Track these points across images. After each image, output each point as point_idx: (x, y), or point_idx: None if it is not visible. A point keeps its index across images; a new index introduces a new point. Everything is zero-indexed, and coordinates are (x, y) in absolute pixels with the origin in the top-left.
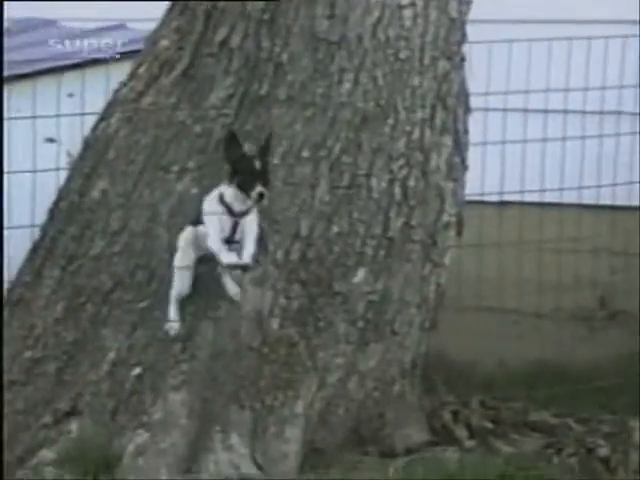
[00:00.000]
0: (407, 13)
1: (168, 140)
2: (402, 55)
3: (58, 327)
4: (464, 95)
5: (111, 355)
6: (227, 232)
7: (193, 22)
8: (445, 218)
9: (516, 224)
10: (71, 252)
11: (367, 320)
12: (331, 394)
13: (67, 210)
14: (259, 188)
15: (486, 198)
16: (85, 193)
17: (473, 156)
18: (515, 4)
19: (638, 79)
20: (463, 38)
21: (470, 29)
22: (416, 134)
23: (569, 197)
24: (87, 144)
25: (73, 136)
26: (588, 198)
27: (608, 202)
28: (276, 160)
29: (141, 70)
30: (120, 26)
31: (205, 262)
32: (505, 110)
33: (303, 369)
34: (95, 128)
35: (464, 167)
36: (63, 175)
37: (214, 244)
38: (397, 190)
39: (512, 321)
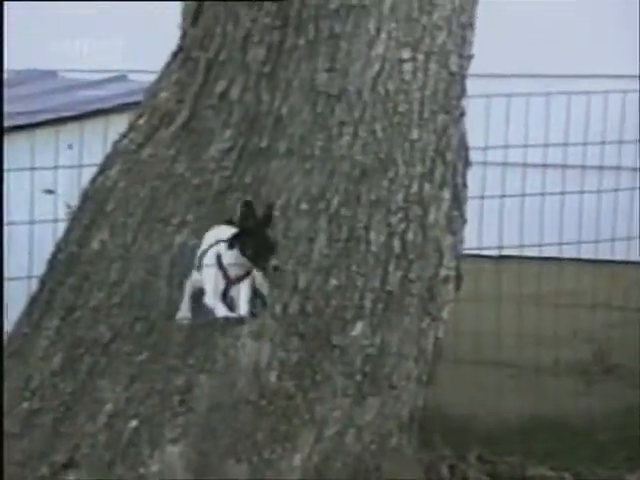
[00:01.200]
0: (407, 67)
1: (167, 192)
2: (401, 109)
3: (55, 379)
4: (463, 149)
5: (109, 407)
6: (221, 289)
7: (193, 74)
8: (444, 272)
9: (515, 278)
10: (70, 303)
11: (365, 373)
12: (328, 447)
13: (66, 261)
14: (275, 261)
15: (485, 252)
16: (84, 244)
17: (471, 210)
18: (514, 59)
19: (638, 134)
20: (463, 92)
21: (469, 83)
22: (415, 188)
23: (568, 252)
24: (86, 195)
25: (72, 187)
26: (587, 253)
27: (607, 257)
28: (275, 213)
29: (141, 122)
30: (120, 77)
31: (202, 315)
32: (505, 164)
33: (301, 422)
34: (94, 180)
35: (463, 221)
36: (61, 227)
37: (210, 300)
38: (396, 243)
39: (510, 375)
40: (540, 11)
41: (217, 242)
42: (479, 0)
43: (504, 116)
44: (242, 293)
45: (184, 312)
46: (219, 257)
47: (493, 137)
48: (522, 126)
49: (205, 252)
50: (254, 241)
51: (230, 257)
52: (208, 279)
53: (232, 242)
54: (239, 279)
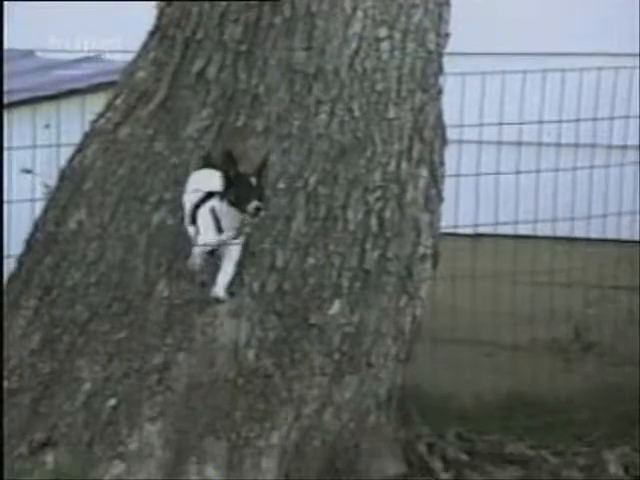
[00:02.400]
0: (384, 45)
1: (145, 171)
2: (379, 87)
3: (34, 358)
4: (440, 127)
5: (87, 386)
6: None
7: (170, 53)
8: (421, 250)
9: (490, 256)
10: (47, 283)
11: (343, 352)
12: (307, 425)
13: (43, 241)
14: (255, 202)
15: (460, 230)
16: (61, 224)
17: (447, 188)
18: (489, 36)
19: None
20: (440, 71)
21: (444, 61)
22: (392, 166)
23: (543, 230)
24: (63, 175)
25: (49, 167)
26: (562, 231)
27: (582, 235)
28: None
29: (118, 101)
30: (96, 57)
31: (181, 295)
32: (480, 142)
33: (279, 400)
34: (72, 159)
35: (440, 199)
36: (39, 206)
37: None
38: (373, 222)
39: (487, 353)
40: None
41: (209, 195)
42: None
43: (479, 94)
44: (224, 265)
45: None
46: (213, 209)
47: (468, 115)
48: (497, 104)
49: (198, 206)
50: (238, 186)
51: (223, 210)
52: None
53: (225, 193)
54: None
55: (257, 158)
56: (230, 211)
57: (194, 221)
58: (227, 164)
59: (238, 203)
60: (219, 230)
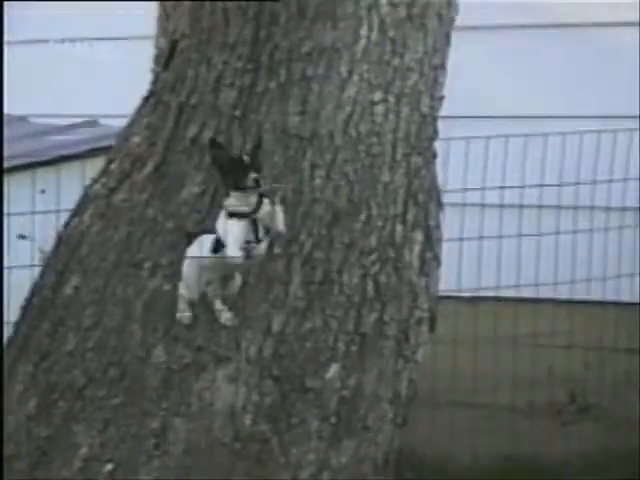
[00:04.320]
0: (379, 109)
1: (140, 236)
2: (373, 151)
3: (30, 424)
4: (435, 191)
5: (83, 451)
6: (249, 236)
7: (165, 118)
8: (418, 314)
9: (491, 319)
10: (44, 348)
11: (339, 416)
12: None
13: (40, 306)
14: (253, 175)
15: (462, 294)
16: (58, 289)
17: (449, 251)
18: (491, 101)
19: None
20: (435, 134)
21: (447, 125)
22: (388, 229)
23: (544, 292)
24: (60, 240)
25: (46, 233)
26: (563, 293)
27: (583, 297)
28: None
29: (113, 166)
30: (92, 122)
31: (178, 360)
32: (482, 206)
33: (276, 465)
34: (67, 224)
35: (437, 262)
36: (36, 272)
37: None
38: (369, 286)
39: (485, 416)
40: None
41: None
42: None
43: (482, 158)
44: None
45: None
46: (225, 208)
47: (471, 179)
48: (500, 167)
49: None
50: (232, 168)
51: (232, 201)
52: (230, 233)
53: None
54: (254, 211)
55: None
56: (239, 198)
57: None
58: (216, 153)
59: (237, 183)
60: (243, 217)
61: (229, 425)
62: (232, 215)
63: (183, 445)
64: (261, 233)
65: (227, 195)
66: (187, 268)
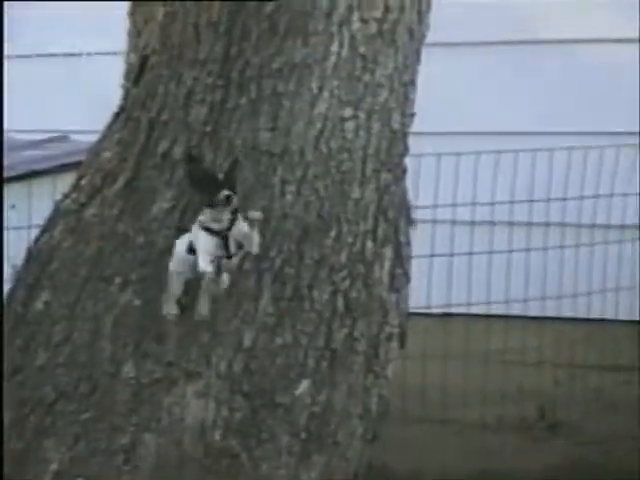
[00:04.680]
0: (349, 125)
1: (111, 252)
2: (344, 167)
3: (6, 438)
4: (406, 207)
5: (54, 466)
6: (219, 251)
7: (135, 134)
8: (388, 330)
9: (462, 336)
10: (17, 363)
11: (309, 432)
12: None
13: (12, 322)
14: (225, 192)
15: (432, 310)
16: (29, 305)
17: (419, 268)
18: (463, 117)
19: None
20: (405, 150)
21: (418, 141)
22: (358, 246)
23: (515, 309)
24: (30, 255)
25: (18, 248)
26: (533, 310)
27: (553, 314)
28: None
29: (83, 182)
30: (63, 137)
31: (148, 375)
32: (453, 222)
33: None
34: (38, 239)
35: (407, 279)
36: (8, 287)
37: (202, 264)
38: (340, 302)
39: (455, 432)
40: None
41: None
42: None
43: (453, 174)
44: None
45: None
46: (200, 222)
47: (442, 195)
48: (471, 184)
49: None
50: (207, 185)
51: (207, 217)
52: (199, 246)
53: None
54: (227, 229)
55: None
56: (214, 215)
57: None
58: (191, 168)
59: (205, 195)
60: (215, 234)
61: (199, 440)
62: (205, 229)
63: (153, 460)
64: (233, 249)
65: (200, 210)
66: (174, 264)
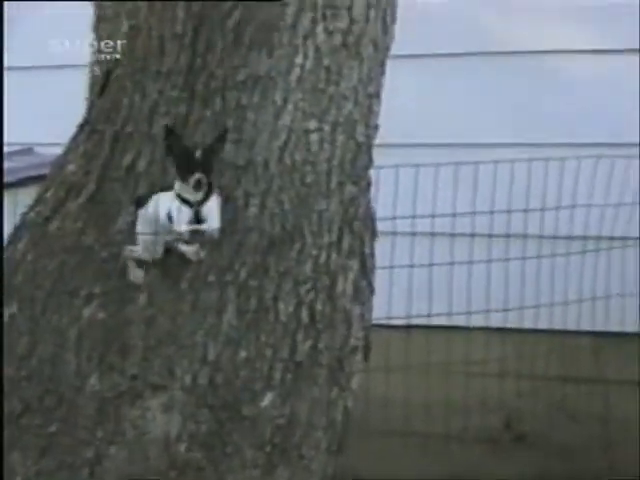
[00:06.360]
0: (314, 138)
1: (75, 265)
2: (309, 179)
3: None
4: (370, 219)
5: None
6: (191, 220)
7: (100, 147)
8: (352, 342)
9: (423, 347)
10: None
11: (274, 444)
12: None
13: None
14: (197, 175)
15: (393, 322)
16: None
17: (380, 280)
18: (421, 129)
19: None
20: (370, 163)
21: (378, 153)
22: (323, 258)
23: (477, 321)
24: None
25: None
26: (495, 321)
27: (515, 325)
28: (183, 285)
29: (48, 195)
30: (27, 150)
31: (112, 388)
32: (413, 234)
33: None
34: (2, 252)
35: (371, 291)
36: None
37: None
38: (304, 314)
39: (419, 444)
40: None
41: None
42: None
43: (412, 186)
44: (210, 214)
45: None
46: (176, 192)
47: (401, 207)
48: (430, 195)
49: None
50: (183, 161)
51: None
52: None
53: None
54: (201, 202)
55: None
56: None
57: None
58: (170, 140)
59: (179, 173)
60: (190, 205)
61: (164, 454)
62: (180, 199)
63: (118, 474)
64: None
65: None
66: (142, 225)
